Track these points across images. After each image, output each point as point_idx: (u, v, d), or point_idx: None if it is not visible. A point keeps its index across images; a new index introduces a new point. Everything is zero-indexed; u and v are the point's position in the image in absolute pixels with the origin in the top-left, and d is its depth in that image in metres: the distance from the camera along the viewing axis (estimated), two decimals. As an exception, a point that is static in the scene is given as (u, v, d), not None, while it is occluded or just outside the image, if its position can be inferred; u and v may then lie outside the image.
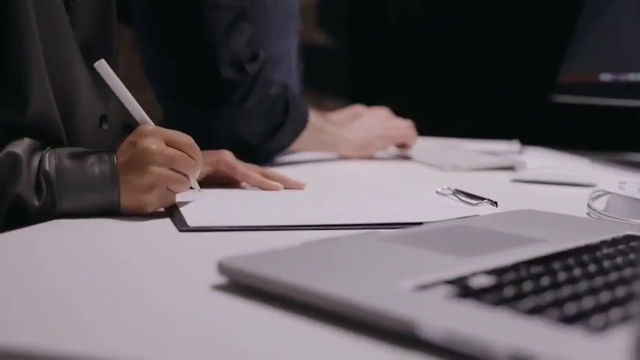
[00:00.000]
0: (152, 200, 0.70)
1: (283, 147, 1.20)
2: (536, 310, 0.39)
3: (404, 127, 1.37)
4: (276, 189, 0.89)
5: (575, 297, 0.42)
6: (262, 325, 0.42)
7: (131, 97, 0.73)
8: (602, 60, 1.41)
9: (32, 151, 0.68)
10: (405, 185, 0.98)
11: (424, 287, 0.43)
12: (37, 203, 0.67)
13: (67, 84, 0.75)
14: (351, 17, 2.69)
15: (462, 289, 0.43)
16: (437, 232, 0.61)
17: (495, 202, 0.80)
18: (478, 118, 1.57)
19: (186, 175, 0.72)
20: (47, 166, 0.68)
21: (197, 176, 0.74)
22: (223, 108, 1.11)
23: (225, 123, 1.13)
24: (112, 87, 0.72)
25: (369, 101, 1.52)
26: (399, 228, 0.67)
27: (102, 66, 0.72)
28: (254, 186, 0.90)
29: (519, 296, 0.42)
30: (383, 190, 0.91)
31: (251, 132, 1.15)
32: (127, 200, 0.69)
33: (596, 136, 1.61)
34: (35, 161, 0.68)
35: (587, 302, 0.41)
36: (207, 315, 0.44)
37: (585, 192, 0.95)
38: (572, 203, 0.88)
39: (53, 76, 0.72)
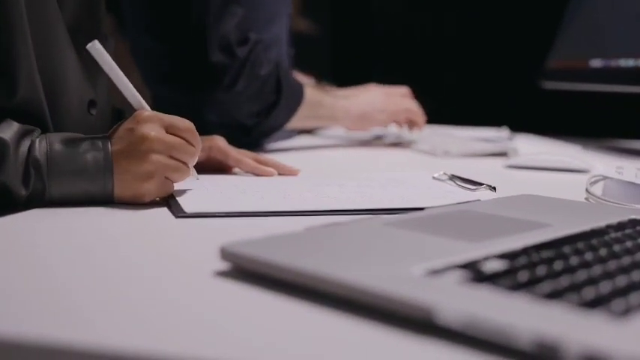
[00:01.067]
0: (150, 189, 0.67)
1: (280, 125, 1.19)
2: (554, 295, 0.38)
3: (408, 104, 1.34)
4: (270, 174, 0.88)
5: (592, 281, 0.41)
6: (269, 313, 0.41)
7: (127, 80, 0.70)
8: (592, 46, 1.41)
9: (21, 137, 0.65)
10: (399, 171, 0.96)
11: (436, 272, 0.42)
12: (24, 192, 0.64)
13: (55, 67, 0.72)
14: (335, 4, 2.67)
15: (476, 273, 0.42)
16: (441, 217, 0.60)
17: (494, 187, 0.79)
18: (465, 105, 1.56)
19: (185, 164, 0.69)
20: (37, 152, 0.65)
21: (194, 163, 0.72)
22: (213, 92, 1.10)
23: (217, 107, 1.11)
24: (106, 70, 0.70)
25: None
26: (400, 213, 0.65)
27: (95, 48, 0.69)
28: (247, 172, 0.89)
29: (535, 281, 0.40)
30: (379, 175, 0.90)
31: (244, 114, 1.13)
32: (122, 189, 0.67)
33: (586, 122, 1.61)
34: (24, 147, 0.65)
35: (605, 286, 0.40)
36: (211, 302, 0.43)
37: (580, 177, 0.95)
38: (568, 189, 0.87)
39: (40, 59, 0.70)
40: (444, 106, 2.10)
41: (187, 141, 0.69)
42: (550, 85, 1.54)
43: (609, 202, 0.76)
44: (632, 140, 1.44)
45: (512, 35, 2.12)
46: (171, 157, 0.67)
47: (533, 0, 2.09)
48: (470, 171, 0.89)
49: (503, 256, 0.46)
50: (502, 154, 1.17)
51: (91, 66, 0.78)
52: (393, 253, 0.48)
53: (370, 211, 0.67)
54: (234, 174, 0.90)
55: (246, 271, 0.46)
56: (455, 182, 0.83)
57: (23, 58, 0.68)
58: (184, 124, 0.69)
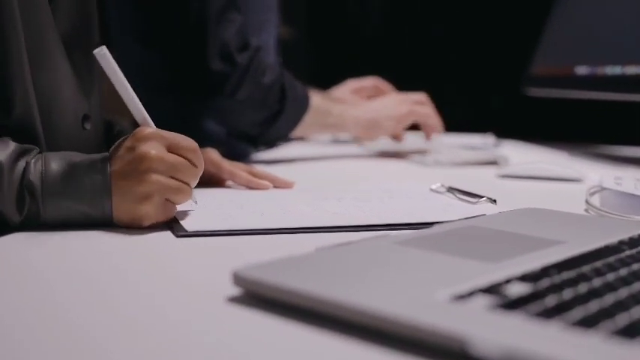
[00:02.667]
0: (149, 212, 0.63)
1: (285, 134, 1.17)
2: (587, 322, 0.37)
3: (420, 109, 1.28)
4: (264, 188, 0.86)
5: (621, 306, 0.40)
6: (287, 341, 0.39)
7: (133, 93, 0.66)
8: (578, 53, 1.41)
9: (17, 157, 0.62)
10: (393, 182, 0.95)
11: (461, 297, 0.41)
12: (17, 217, 0.62)
13: (49, 80, 0.70)
14: (311, 10, 2.66)
15: (503, 298, 0.41)
16: (451, 234, 0.58)
17: (494, 200, 0.78)
18: (449, 111, 1.55)
19: (187, 185, 0.65)
20: (31, 175, 0.62)
21: (195, 184, 0.67)
22: (214, 101, 1.08)
23: (218, 116, 1.09)
24: (112, 80, 0.65)
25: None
26: (407, 229, 0.64)
27: (102, 54, 0.63)
28: (241, 185, 0.87)
29: (564, 306, 0.39)
30: (375, 187, 0.89)
31: (247, 123, 1.12)
32: (121, 212, 0.63)
33: (571, 129, 1.61)
34: (19, 168, 0.62)
35: (637, 312, 0.39)
36: (227, 332, 0.41)
37: (575, 187, 0.95)
38: (566, 199, 0.86)
39: (34, 71, 0.67)
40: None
41: (190, 161, 0.65)
42: (536, 91, 1.54)
43: (609, 213, 0.75)
44: (617, 146, 1.45)
45: (497, 41, 2.12)
46: (173, 178, 0.64)
47: (517, 5, 2.09)
48: (462, 181, 0.88)
49: (524, 278, 0.45)
50: (492, 163, 1.16)
51: (85, 77, 0.75)
52: (412, 276, 0.47)
53: (376, 226, 0.66)
54: (228, 187, 0.88)
55: (259, 296, 0.45)
56: (454, 194, 0.82)
57: (18, 75, 0.65)
58: (188, 143, 0.65)
